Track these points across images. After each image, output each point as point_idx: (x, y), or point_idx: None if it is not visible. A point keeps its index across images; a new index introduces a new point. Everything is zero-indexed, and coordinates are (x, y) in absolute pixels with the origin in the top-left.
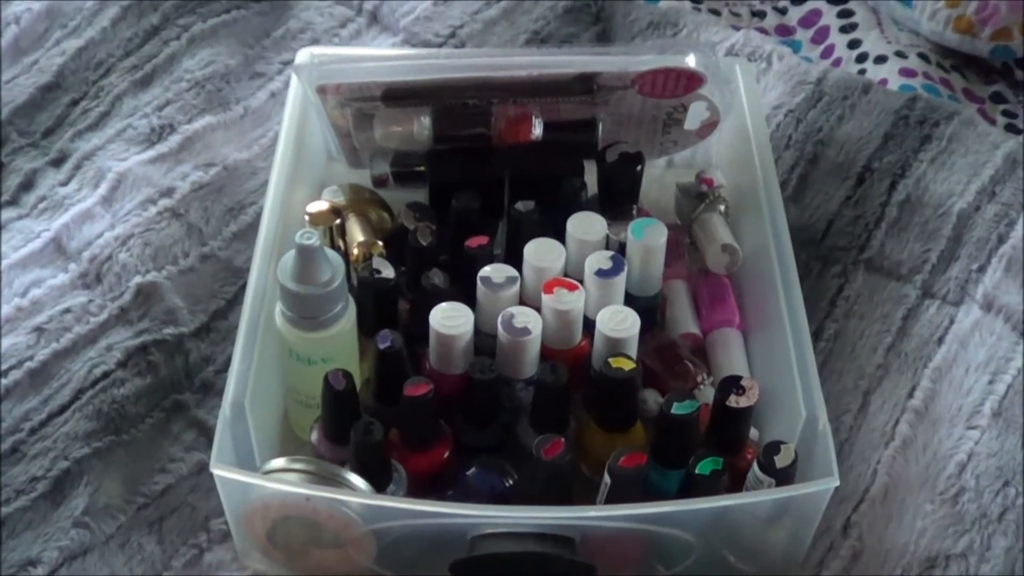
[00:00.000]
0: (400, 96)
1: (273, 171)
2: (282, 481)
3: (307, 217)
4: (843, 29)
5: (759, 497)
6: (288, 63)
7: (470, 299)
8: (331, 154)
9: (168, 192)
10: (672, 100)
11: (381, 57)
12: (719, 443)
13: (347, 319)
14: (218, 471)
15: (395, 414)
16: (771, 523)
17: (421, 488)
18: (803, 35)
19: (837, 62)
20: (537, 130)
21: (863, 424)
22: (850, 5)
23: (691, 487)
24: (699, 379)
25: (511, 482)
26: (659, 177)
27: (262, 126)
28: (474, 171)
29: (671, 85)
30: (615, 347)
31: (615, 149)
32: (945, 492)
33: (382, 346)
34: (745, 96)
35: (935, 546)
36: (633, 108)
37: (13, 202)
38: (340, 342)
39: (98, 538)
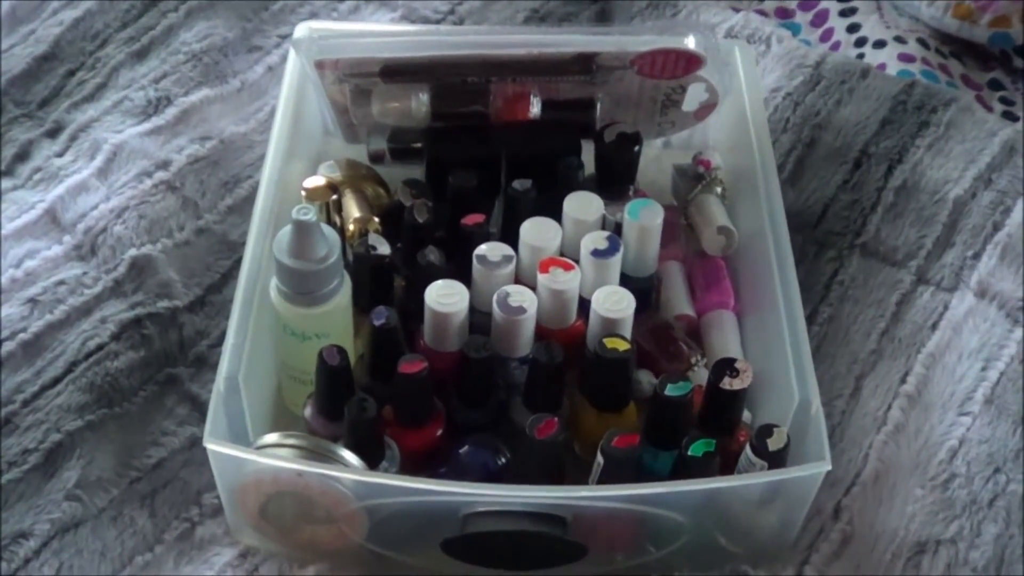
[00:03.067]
0: (398, 72)
1: (270, 145)
2: (275, 456)
3: (303, 192)
4: (843, 13)
5: (751, 480)
6: (286, 37)
7: (465, 277)
8: (328, 129)
9: (164, 165)
10: (671, 81)
11: (380, 33)
12: (712, 425)
13: (342, 295)
14: (211, 446)
15: (389, 391)
16: (763, 506)
17: (414, 465)
18: (802, 18)
19: (836, 46)
20: (535, 109)
21: (855, 408)
22: None
23: (683, 468)
24: (693, 361)
25: (504, 461)
26: (656, 158)
27: (259, 100)
28: (471, 149)
29: (670, 66)
30: (610, 327)
31: (613, 129)
32: (936, 478)
33: (377, 323)
34: (744, 78)
35: (925, 531)
36: (631, 88)
37: (8, 173)
38: (335, 318)
39: (90, 511)
